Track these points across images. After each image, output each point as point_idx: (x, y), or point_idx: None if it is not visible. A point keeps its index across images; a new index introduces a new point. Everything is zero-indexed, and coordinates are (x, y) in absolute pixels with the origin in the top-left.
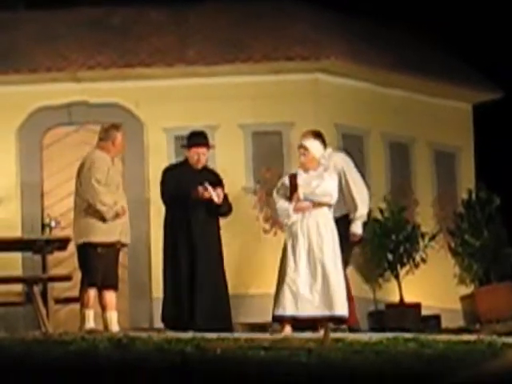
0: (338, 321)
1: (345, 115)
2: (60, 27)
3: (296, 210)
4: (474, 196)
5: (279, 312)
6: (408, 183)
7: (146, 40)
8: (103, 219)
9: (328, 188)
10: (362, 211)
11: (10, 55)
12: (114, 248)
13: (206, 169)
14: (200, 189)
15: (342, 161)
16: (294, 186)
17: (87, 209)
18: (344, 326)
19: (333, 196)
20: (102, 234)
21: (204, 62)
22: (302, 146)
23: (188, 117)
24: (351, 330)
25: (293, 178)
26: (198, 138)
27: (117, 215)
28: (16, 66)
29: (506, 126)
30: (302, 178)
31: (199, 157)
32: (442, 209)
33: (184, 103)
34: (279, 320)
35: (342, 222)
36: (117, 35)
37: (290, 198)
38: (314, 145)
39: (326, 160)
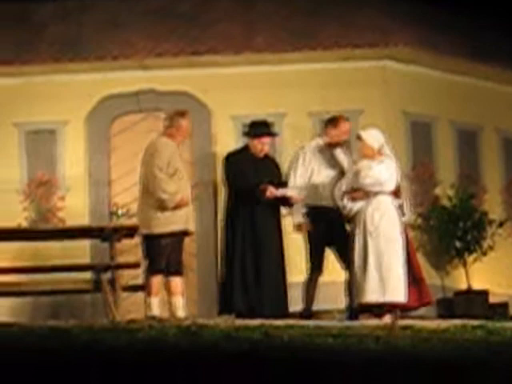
0: (393, 306)
1: (413, 102)
2: (127, 15)
3: (351, 199)
4: None
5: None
6: (476, 170)
7: (213, 27)
8: (164, 208)
9: (378, 176)
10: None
11: (77, 43)
12: (177, 236)
13: (266, 156)
14: (268, 192)
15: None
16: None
17: (149, 198)
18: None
19: (384, 184)
20: (163, 224)
21: (272, 49)
22: (357, 137)
23: (256, 104)
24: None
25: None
26: (262, 128)
27: (177, 206)
28: (83, 54)
29: None
30: (355, 167)
31: (263, 146)
32: (510, 196)
33: (252, 91)
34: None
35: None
36: (184, 22)
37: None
38: (369, 134)
39: (386, 149)
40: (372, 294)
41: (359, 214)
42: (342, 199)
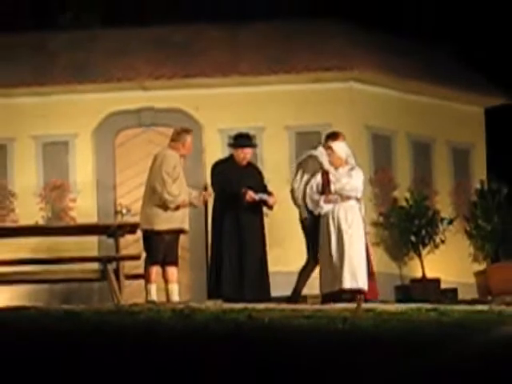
0: (359, 292)
1: (375, 118)
2: (130, 43)
3: (326, 201)
4: (485, 186)
5: (324, 290)
6: (429, 176)
7: (204, 54)
8: (166, 208)
9: (355, 184)
10: None
11: (87, 67)
12: (174, 233)
13: (249, 164)
14: (247, 197)
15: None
16: (324, 182)
17: (154, 198)
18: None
19: (359, 191)
20: (163, 222)
21: (253, 72)
22: (328, 147)
23: (240, 120)
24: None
25: (325, 174)
26: (244, 140)
27: (178, 207)
28: (92, 76)
29: None
30: (333, 175)
31: (245, 156)
32: (458, 197)
33: (237, 108)
34: (326, 296)
35: (310, 219)
36: (178, 50)
37: (322, 192)
38: (338, 146)
39: (352, 159)
40: (347, 282)
41: (331, 213)
42: (313, 198)
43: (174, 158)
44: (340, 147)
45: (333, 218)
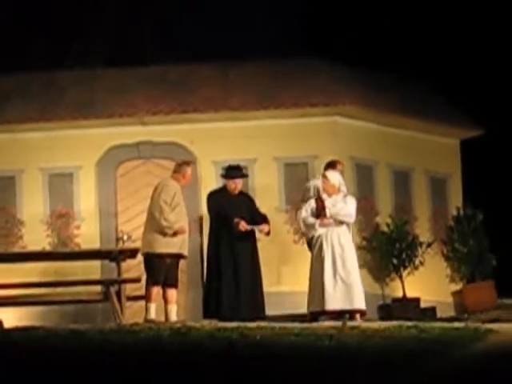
0: (357, 312)
1: (358, 150)
2: (130, 82)
3: (321, 225)
4: (461, 212)
5: (312, 308)
6: (409, 203)
7: (198, 91)
8: (164, 234)
9: (350, 210)
10: None
11: (91, 104)
12: (173, 257)
13: (241, 192)
14: (240, 226)
15: None
16: (319, 207)
17: (153, 224)
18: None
19: (352, 217)
20: (162, 246)
21: (244, 108)
22: (323, 176)
23: (232, 152)
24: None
25: (319, 200)
26: (235, 172)
27: (175, 233)
28: (95, 112)
29: (486, 157)
30: (328, 201)
31: (236, 185)
32: (436, 223)
33: (229, 141)
34: (314, 314)
35: None
36: (175, 87)
37: (316, 216)
38: (332, 175)
39: (344, 187)
40: (340, 303)
41: (324, 236)
42: (308, 221)
43: (173, 187)
44: (333, 176)
45: (326, 241)
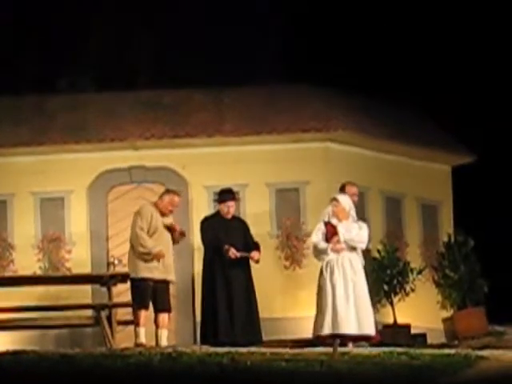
0: (365, 338)
1: (350, 176)
2: (122, 106)
3: (333, 250)
4: (452, 239)
5: (320, 332)
6: (400, 229)
7: (190, 116)
8: (144, 259)
9: (364, 236)
10: None
11: (82, 129)
12: (159, 282)
13: (234, 217)
14: (230, 253)
15: None
16: (329, 231)
17: (135, 251)
18: (364, 343)
19: (365, 243)
20: (143, 271)
21: (237, 133)
22: (334, 199)
23: (224, 177)
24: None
25: (329, 225)
26: (226, 195)
27: (155, 257)
28: (87, 137)
29: (478, 183)
30: (342, 226)
31: (228, 209)
32: (427, 249)
33: (221, 166)
34: (320, 338)
35: None
36: (167, 112)
37: (327, 240)
38: (343, 198)
39: (353, 212)
40: (352, 328)
41: (335, 261)
42: (319, 246)
43: (148, 211)
44: (344, 200)
45: (337, 264)
